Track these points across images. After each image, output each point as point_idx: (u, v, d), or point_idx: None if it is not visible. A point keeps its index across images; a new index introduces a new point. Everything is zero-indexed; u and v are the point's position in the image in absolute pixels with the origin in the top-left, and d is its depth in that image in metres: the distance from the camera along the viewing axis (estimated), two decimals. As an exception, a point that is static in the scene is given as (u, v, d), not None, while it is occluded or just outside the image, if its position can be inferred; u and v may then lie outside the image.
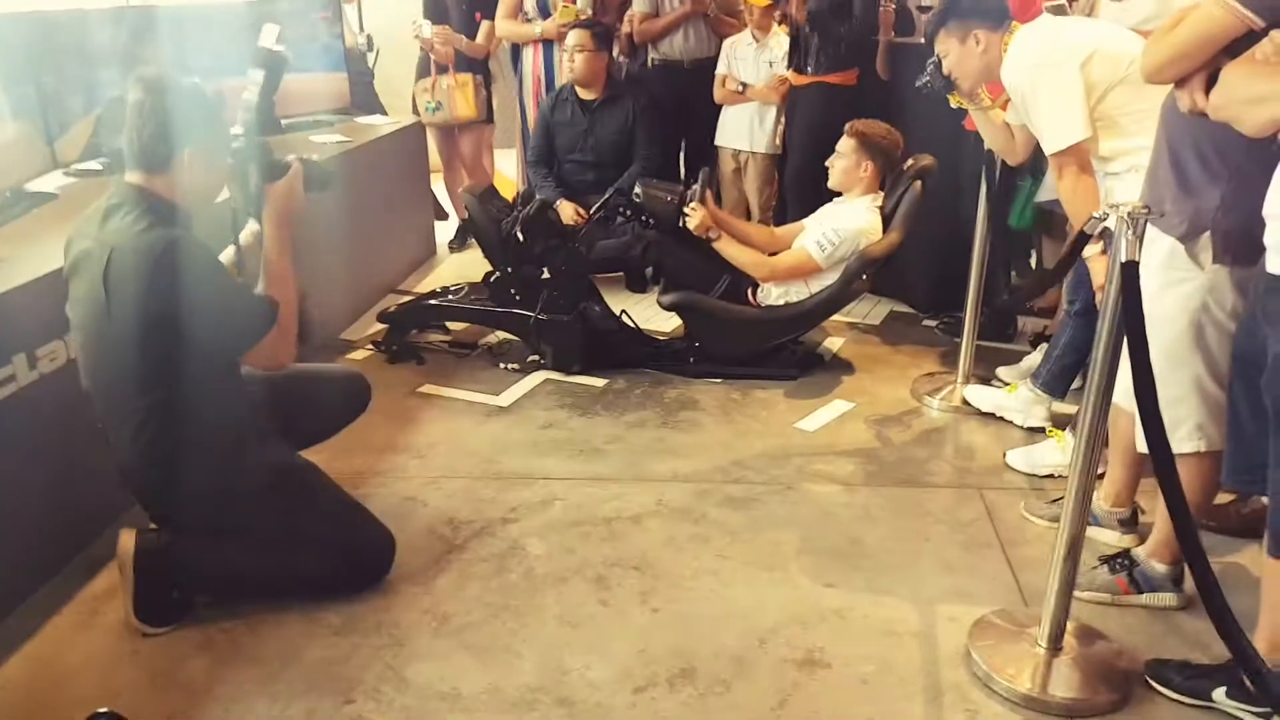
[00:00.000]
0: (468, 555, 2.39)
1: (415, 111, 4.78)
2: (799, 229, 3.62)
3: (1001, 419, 3.09)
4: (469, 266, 4.52)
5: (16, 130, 2.80)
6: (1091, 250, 2.25)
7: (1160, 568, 2.18)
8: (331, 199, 3.68)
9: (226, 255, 2.15)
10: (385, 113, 4.82)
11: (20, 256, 2.28)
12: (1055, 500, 2.54)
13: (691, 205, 3.40)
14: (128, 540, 2.05)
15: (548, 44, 4.45)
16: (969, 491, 2.71)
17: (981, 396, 3.14)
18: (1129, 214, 1.64)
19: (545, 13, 4.41)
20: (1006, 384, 3.19)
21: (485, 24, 4.63)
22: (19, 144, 2.82)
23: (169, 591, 2.10)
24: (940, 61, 2.69)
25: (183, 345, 1.91)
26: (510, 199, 4.05)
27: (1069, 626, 1.98)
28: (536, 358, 3.51)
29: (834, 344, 3.78)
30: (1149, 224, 1.72)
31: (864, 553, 2.41)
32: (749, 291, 3.55)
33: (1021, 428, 3.03)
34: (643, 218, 3.51)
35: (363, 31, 4.98)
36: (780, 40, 4.22)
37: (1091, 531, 2.29)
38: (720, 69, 4.35)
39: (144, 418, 1.98)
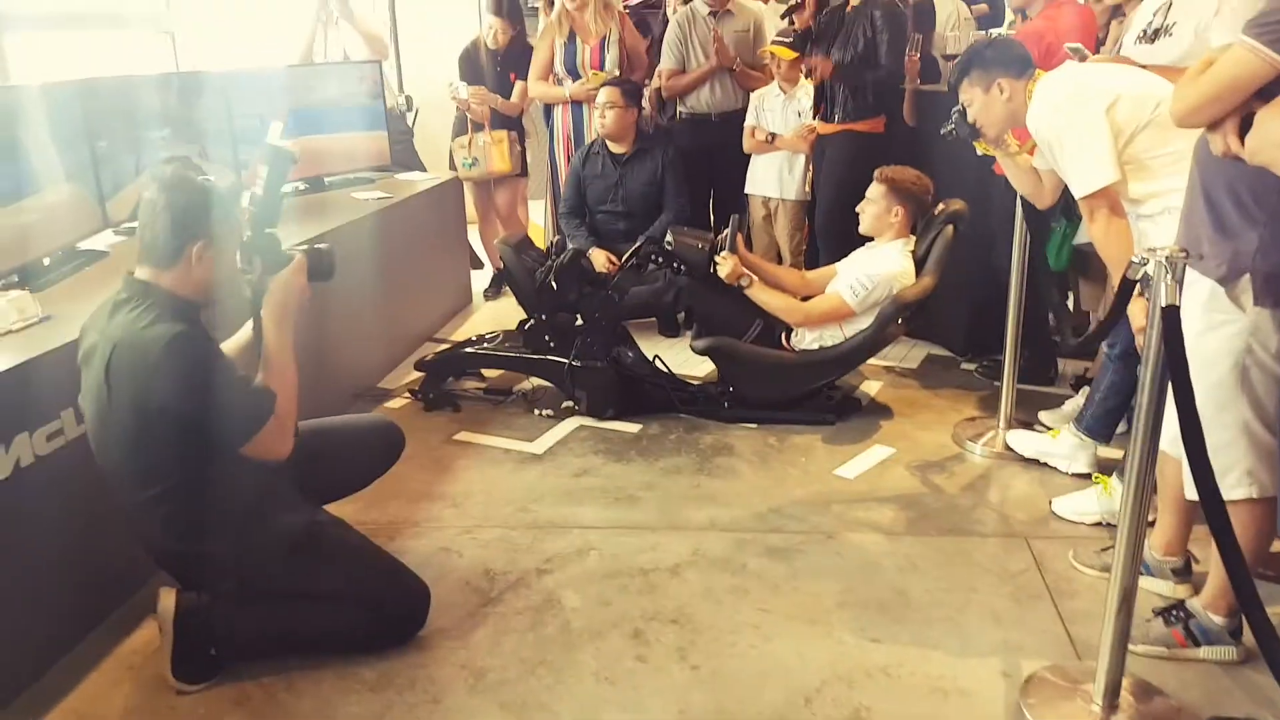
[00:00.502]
0: (503, 608, 2.36)
1: (452, 167, 4.87)
2: (831, 273, 3.61)
3: (1046, 465, 3.02)
4: (504, 314, 4.56)
5: (70, 191, 2.88)
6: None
7: (1218, 620, 2.11)
8: (370, 252, 3.81)
9: (242, 336, 2.16)
10: (424, 169, 4.91)
11: (68, 314, 2.33)
12: (1105, 549, 2.47)
13: (722, 254, 3.40)
14: (168, 599, 2.06)
15: (576, 103, 4.54)
16: (1016, 540, 2.64)
17: (1024, 442, 3.08)
18: (1167, 258, 1.62)
19: (574, 74, 4.51)
20: (1049, 429, 3.13)
21: (519, 84, 4.73)
22: (72, 204, 2.90)
23: (207, 650, 2.10)
24: (965, 109, 2.69)
25: (185, 435, 1.92)
26: (544, 249, 4.10)
27: (1125, 683, 1.92)
28: (571, 404, 3.51)
29: (871, 388, 3.75)
30: (1188, 267, 1.69)
31: (910, 605, 2.36)
32: (783, 336, 3.53)
33: (1066, 474, 2.96)
34: (674, 264, 3.53)
35: (402, 92, 5.10)
36: (807, 90, 4.26)
37: (1144, 582, 2.22)
38: (749, 120, 4.40)
39: (156, 501, 2.00)
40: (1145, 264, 1.69)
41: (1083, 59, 2.81)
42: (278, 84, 4.08)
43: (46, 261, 2.77)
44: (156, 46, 4.54)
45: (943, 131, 2.77)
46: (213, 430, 1.93)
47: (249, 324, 2.13)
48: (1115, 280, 2.29)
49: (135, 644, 2.23)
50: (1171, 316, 1.61)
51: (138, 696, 2.07)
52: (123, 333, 1.91)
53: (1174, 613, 2.16)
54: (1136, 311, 2.29)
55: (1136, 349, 2.48)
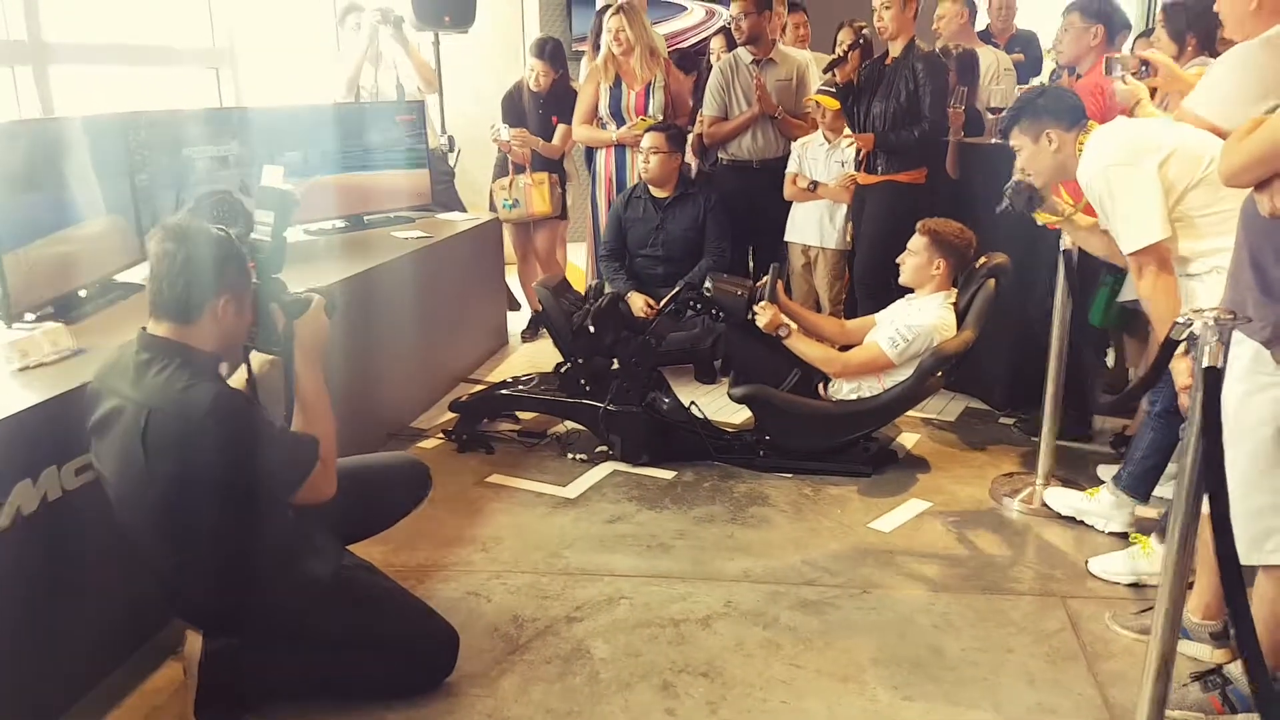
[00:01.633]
0: (531, 656, 2.35)
1: (492, 208, 4.94)
2: (870, 324, 3.61)
3: (1083, 523, 2.97)
4: (540, 356, 4.59)
5: (110, 223, 2.91)
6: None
7: (1261, 689, 2.04)
8: (408, 292, 3.85)
9: (238, 379, 2.12)
10: (465, 209, 4.98)
11: (102, 347, 2.29)
12: (1143, 611, 2.43)
13: (761, 304, 3.41)
14: (194, 641, 2.03)
15: (619, 146, 4.59)
16: (1052, 600, 2.59)
17: (1061, 500, 3.03)
18: (1215, 320, 1.60)
19: (619, 118, 4.56)
20: (1102, 483, 3.06)
21: (561, 127, 4.80)
22: (111, 236, 2.93)
23: (232, 693, 2.07)
24: (1018, 184, 2.68)
25: (230, 500, 1.88)
26: (582, 291, 4.14)
27: (1163, 752, 1.86)
28: (605, 448, 3.51)
29: (908, 440, 3.71)
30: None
31: (944, 664, 2.32)
32: (820, 385, 3.52)
33: (1104, 533, 2.91)
34: (713, 311, 3.53)
35: (444, 133, 5.18)
36: (851, 140, 4.27)
37: (1181, 645, 2.14)
38: (791, 168, 4.42)
39: (189, 563, 1.97)
40: (1190, 324, 1.67)
41: (1123, 76, 2.82)
42: (320, 120, 4.15)
43: (83, 294, 2.80)
44: (202, 82, 4.67)
45: (999, 210, 2.75)
46: (260, 486, 1.91)
47: (239, 375, 2.10)
48: (1160, 337, 2.27)
49: (158, 683, 2.21)
50: (1213, 378, 1.58)
51: (161, 737, 2.07)
52: (158, 398, 1.82)
53: (1211, 678, 2.11)
54: (1181, 370, 2.26)
55: (1178, 408, 2.44)
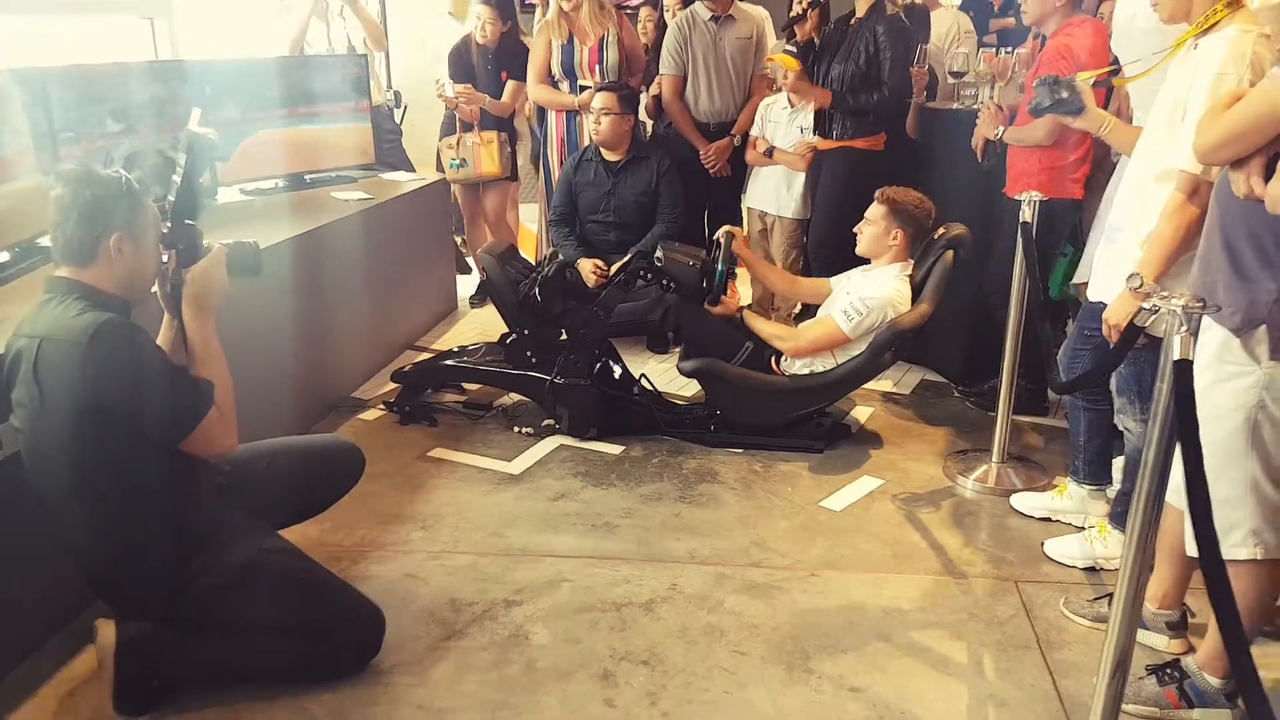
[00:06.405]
0: (467, 643, 2.25)
1: (440, 168, 4.75)
2: (822, 285, 3.55)
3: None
4: (489, 323, 4.44)
5: (33, 185, 2.75)
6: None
7: (1214, 681, 2.01)
8: (349, 256, 3.69)
9: (164, 330, 2.10)
10: (413, 169, 4.79)
11: (14, 316, 2.17)
12: (1098, 599, 2.37)
13: (724, 297, 3.33)
14: (107, 631, 1.96)
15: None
16: (1005, 584, 2.53)
17: (1030, 503, 2.90)
18: (1183, 308, 1.50)
19: (571, 76, 4.37)
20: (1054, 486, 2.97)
21: (511, 83, 4.61)
22: (35, 197, 2.76)
23: (150, 682, 2.00)
24: (1054, 80, 2.49)
25: (122, 437, 1.85)
26: (533, 259, 3.97)
27: (1115, 748, 1.81)
28: (551, 422, 3.40)
29: (862, 414, 3.64)
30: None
31: (892, 652, 2.25)
32: (772, 360, 3.42)
33: (1082, 528, 2.75)
34: (664, 281, 3.41)
35: (390, 88, 4.96)
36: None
37: (1138, 635, 2.11)
38: (753, 130, 4.27)
39: (91, 513, 1.91)
40: (1156, 311, 1.58)
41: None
42: (257, 75, 3.94)
43: (4, 257, 2.67)
44: (137, 33, 4.40)
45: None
46: (150, 423, 1.87)
47: (165, 320, 2.08)
48: (1148, 259, 2.14)
49: (76, 670, 2.12)
50: (1184, 371, 1.50)
51: (77, 727, 1.96)
52: (48, 326, 1.84)
53: (1168, 671, 2.06)
54: (1116, 308, 2.18)
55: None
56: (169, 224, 2.01)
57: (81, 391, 1.81)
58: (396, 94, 4.94)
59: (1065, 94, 2.49)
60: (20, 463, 1.97)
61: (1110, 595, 2.01)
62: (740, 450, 3.29)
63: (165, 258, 2.01)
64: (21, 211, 2.70)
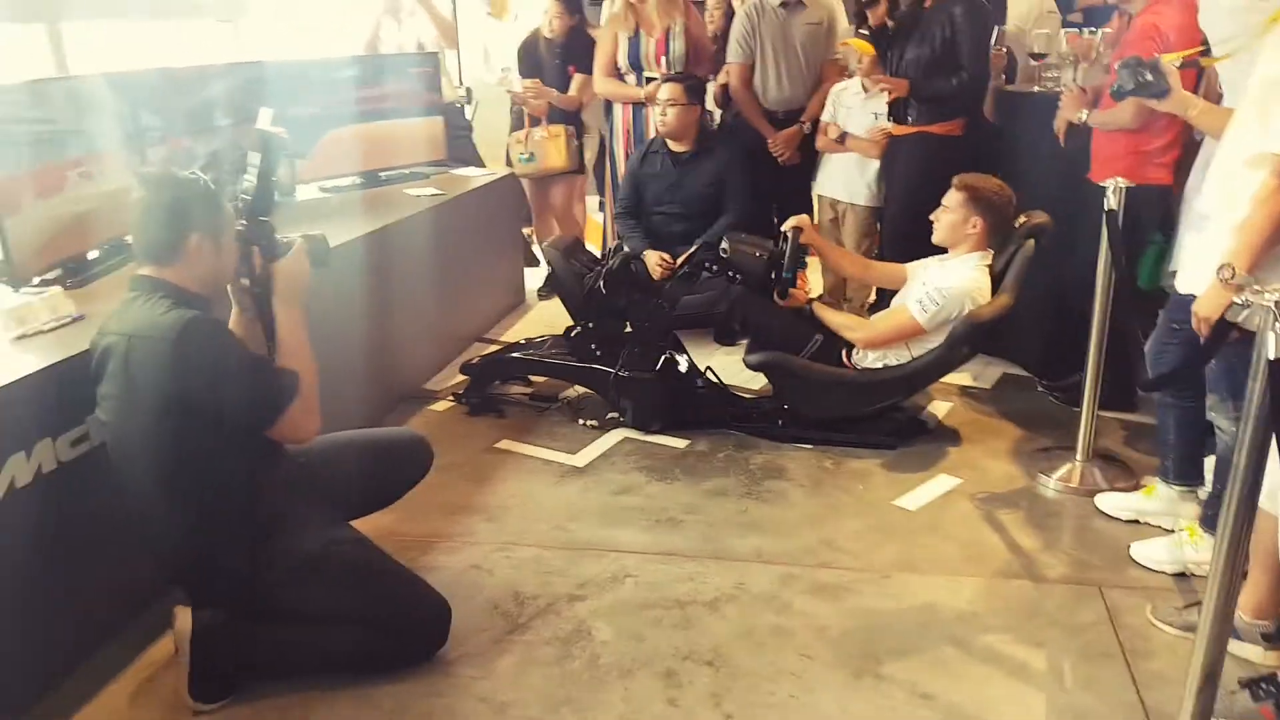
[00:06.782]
0: (530, 636, 2.25)
1: (509, 163, 4.77)
2: (898, 271, 3.43)
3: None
4: (556, 316, 4.43)
5: (123, 185, 2.83)
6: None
7: (1316, 697, 1.88)
8: (422, 250, 3.73)
9: (234, 322, 2.17)
10: (483, 165, 4.82)
11: (103, 314, 2.22)
12: (1188, 606, 2.25)
13: (793, 289, 3.27)
14: (184, 618, 2.01)
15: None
16: (1088, 589, 2.42)
17: (1117, 504, 2.77)
18: (1277, 302, 1.40)
19: (638, 68, 4.33)
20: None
21: (578, 77, 4.59)
22: (123, 196, 2.86)
23: (225, 669, 2.06)
24: (1137, 62, 2.38)
25: (206, 430, 1.92)
26: (600, 252, 3.96)
27: (1207, 767, 1.71)
28: (616, 415, 3.38)
29: (940, 410, 3.53)
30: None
31: (967, 658, 2.17)
32: (844, 352, 3.34)
33: (1170, 531, 2.61)
34: (730, 273, 3.35)
35: (462, 84, 5.00)
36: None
37: (1230, 646, 1.98)
38: (825, 116, 4.18)
39: (172, 504, 1.97)
40: (1248, 305, 1.48)
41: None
42: (334, 74, 4.02)
43: (93, 255, 2.75)
44: (219, 36, 4.54)
45: (1112, 91, 2.45)
46: (237, 413, 1.95)
47: (235, 314, 2.16)
48: (1241, 246, 2.01)
49: (154, 656, 2.18)
50: (1278, 371, 1.39)
51: (154, 713, 2.02)
52: (137, 324, 1.91)
53: (1264, 685, 1.94)
54: (1206, 300, 2.05)
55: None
56: (244, 221, 2.07)
57: (171, 386, 1.88)
58: (469, 90, 4.98)
59: (1149, 76, 2.35)
60: (103, 454, 2.03)
61: (1200, 603, 1.90)
62: (809, 446, 3.22)
63: (248, 255, 2.08)
64: (111, 210, 2.77)
